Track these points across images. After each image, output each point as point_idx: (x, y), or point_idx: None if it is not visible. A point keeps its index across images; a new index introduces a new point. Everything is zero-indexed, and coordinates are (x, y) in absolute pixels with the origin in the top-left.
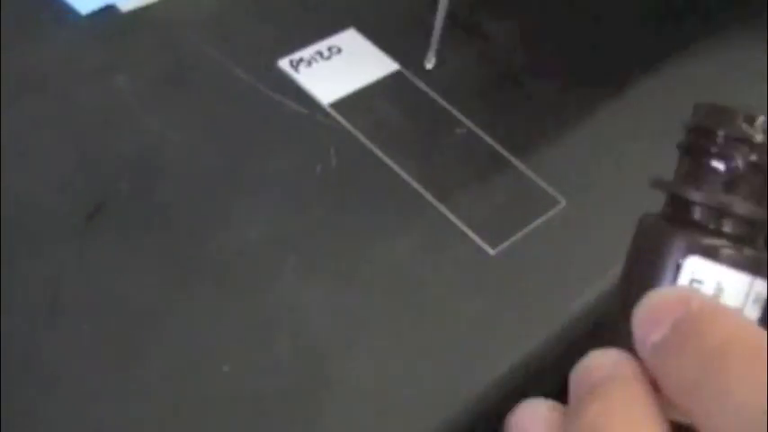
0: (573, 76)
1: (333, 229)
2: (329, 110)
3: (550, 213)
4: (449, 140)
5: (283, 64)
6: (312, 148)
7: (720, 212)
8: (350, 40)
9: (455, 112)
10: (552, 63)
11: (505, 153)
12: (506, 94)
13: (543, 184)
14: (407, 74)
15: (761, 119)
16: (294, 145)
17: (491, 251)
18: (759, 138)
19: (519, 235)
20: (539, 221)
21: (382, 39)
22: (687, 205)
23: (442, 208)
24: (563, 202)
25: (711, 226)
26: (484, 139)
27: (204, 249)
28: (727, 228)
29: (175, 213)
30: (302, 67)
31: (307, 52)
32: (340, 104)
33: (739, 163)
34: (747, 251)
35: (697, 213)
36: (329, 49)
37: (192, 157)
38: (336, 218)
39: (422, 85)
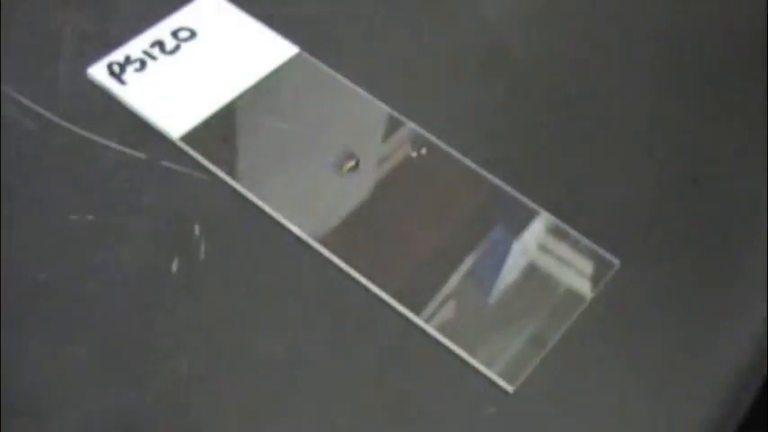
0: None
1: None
2: (183, 147)
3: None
4: (406, 173)
5: (97, 72)
6: (159, 226)
7: None
8: (209, 11)
9: (405, 120)
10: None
11: (516, 193)
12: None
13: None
14: (314, 59)
15: None
16: (128, 223)
17: (509, 387)
18: None
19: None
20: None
21: (262, 3)
22: None
23: (421, 322)
24: (616, 264)
25: None
26: (465, 164)
27: None
28: None
29: None
30: (129, 74)
31: (135, 47)
32: (201, 135)
33: None
34: None
35: None
36: (174, 33)
37: None
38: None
39: (341, 77)
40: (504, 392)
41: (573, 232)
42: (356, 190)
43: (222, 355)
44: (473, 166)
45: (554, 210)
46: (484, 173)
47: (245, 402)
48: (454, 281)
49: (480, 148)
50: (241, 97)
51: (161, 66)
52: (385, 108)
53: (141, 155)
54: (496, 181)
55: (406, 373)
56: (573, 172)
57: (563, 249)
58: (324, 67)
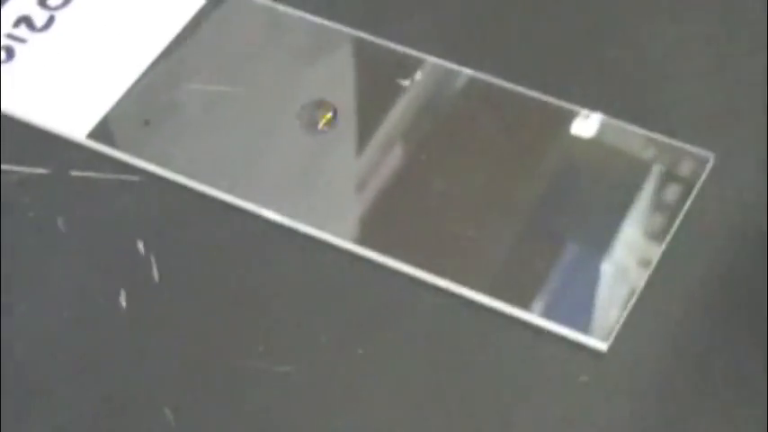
0: None
1: None
2: (95, 146)
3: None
4: (401, 108)
5: None
6: (89, 253)
7: None
8: None
9: (378, 40)
10: None
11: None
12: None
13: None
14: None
15: None
16: (47, 260)
17: (602, 345)
18: None
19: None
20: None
21: None
22: None
23: (473, 293)
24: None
25: None
26: (480, 79)
27: None
28: None
29: None
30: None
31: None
32: (114, 126)
33: None
34: None
35: None
36: (42, 3)
37: None
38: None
39: (280, 6)
40: (597, 354)
41: (651, 134)
42: (340, 146)
43: (213, 400)
44: (489, 78)
45: (618, 114)
46: (508, 85)
47: None
48: (500, 233)
49: (490, 56)
50: (155, 65)
51: (35, 48)
52: (347, 31)
53: (41, 170)
54: (529, 92)
55: (472, 356)
56: (622, 64)
57: (642, 154)
58: (253, 0)
